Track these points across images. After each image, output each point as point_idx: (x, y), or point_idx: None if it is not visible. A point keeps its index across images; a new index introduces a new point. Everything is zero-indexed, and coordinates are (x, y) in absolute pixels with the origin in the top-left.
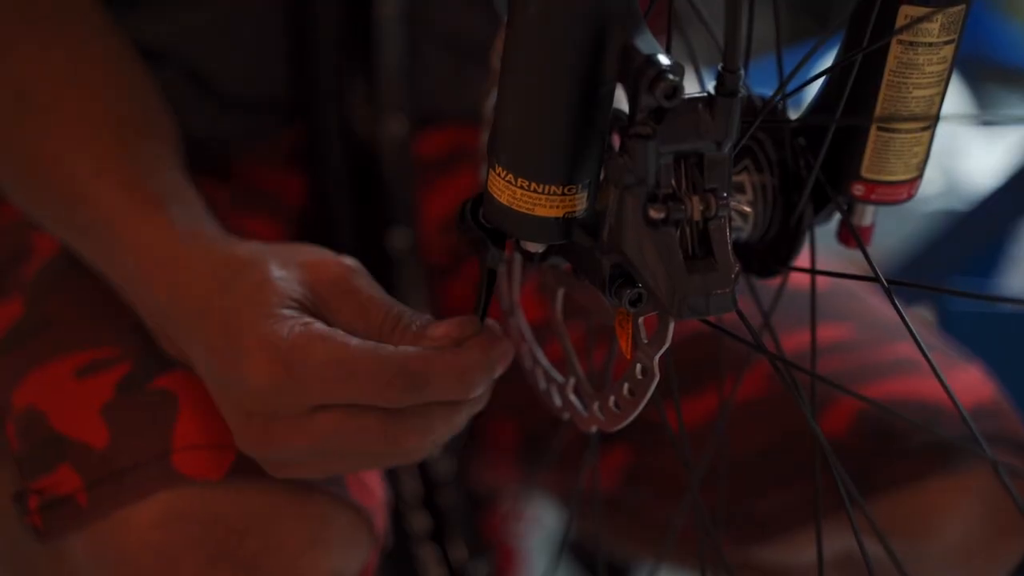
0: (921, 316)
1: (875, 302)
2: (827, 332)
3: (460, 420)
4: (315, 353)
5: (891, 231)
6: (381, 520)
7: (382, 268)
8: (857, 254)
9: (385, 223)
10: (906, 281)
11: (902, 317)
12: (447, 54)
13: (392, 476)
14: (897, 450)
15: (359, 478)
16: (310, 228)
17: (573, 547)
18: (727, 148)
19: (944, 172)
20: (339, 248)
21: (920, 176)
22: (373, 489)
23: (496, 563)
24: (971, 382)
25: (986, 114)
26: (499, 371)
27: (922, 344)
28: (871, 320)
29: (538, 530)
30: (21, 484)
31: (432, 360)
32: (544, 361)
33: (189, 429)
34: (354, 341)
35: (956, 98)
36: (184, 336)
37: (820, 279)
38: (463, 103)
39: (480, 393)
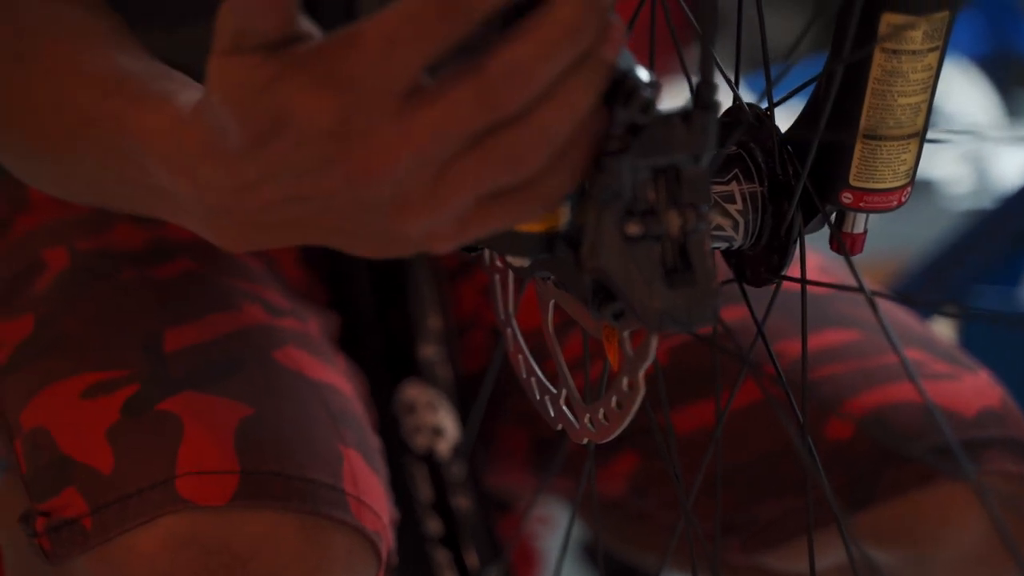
0: (939, 323)
1: (886, 306)
2: (833, 336)
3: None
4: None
5: (920, 234)
6: (387, 541)
7: (395, 271)
8: (867, 259)
9: None
10: (888, 293)
11: (883, 326)
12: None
13: (406, 480)
14: (903, 454)
15: (364, 501)
16: None
17: (587, 550)
18: (705, 162)
19: (975, 172)
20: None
21: (910, 183)
22: (379, 511)
23: (513, 564)
24: (979, 386)
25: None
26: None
27: (902, 353)
28: (878, 325)
29: (555, 531)
30: (29, 505)
31: None
32: (539, 372)
33: (193, 454)
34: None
35: (984, 101)
36: None
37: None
38: None
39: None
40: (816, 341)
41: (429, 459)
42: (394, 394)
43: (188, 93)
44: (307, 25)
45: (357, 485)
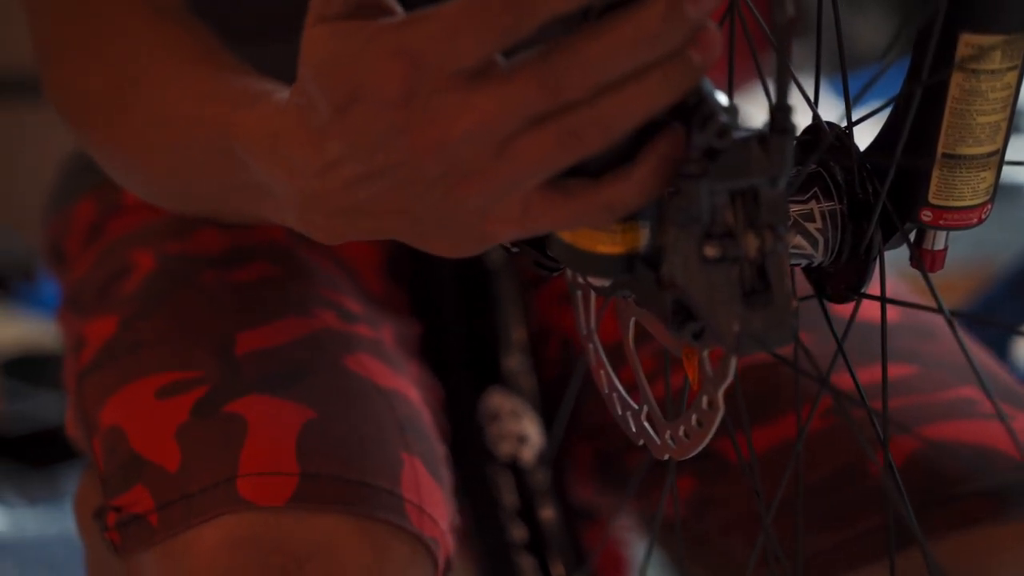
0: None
1: (950, 340)
2: (891, 371)
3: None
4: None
5: (1007, 240)
6: (445, 548)
7: (480, 280)
8: (952, 269)
9: None
10: (969, 313)
11: (965, 353)
12: None
13: (490, 487)
14: (949, 494)
15: (423, 508)
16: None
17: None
18: (782, 184)
19: None
20: (438, 263)
21: (991, 200)
22: (438, 518)
23: (600, 571)
24: None
25: None
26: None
27: (986, 384)
28: (937, 360)
29: (641, 540)
30: (103, 501)
31: None
32: (620, 388)
33: (255, 455)
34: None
35: None
36: None
37: (890, 313)
38: None
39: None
40: (872, 375)
41: (514, 466)
42: (478, 402)
43: (284, 91)
44: (392, 2)
45: (419, 492)
